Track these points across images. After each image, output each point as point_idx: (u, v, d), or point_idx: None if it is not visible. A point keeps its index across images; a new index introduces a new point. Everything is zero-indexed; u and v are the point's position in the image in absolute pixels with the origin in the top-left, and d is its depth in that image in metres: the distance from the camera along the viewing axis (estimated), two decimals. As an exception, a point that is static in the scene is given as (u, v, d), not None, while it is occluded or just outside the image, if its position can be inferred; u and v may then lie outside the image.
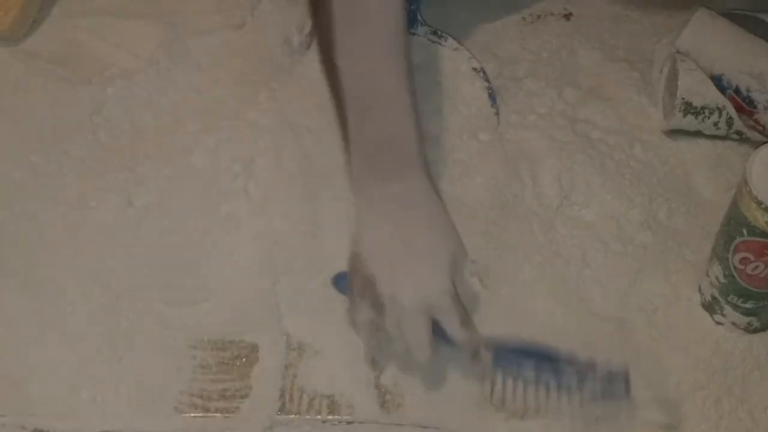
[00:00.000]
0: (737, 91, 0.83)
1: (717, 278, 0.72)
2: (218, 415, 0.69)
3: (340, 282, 0.72)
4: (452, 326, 0.68)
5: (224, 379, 0.71)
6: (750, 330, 0.74)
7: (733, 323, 0.73)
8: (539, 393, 0.68)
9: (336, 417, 0.70)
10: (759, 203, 0.65)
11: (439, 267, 0.69)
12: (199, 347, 0.72)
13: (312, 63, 0.86)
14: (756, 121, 0.84)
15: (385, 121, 0.72)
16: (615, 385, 0.68)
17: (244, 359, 0.72)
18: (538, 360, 0.69)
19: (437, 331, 0.68)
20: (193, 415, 0.69)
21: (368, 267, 0.68)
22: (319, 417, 0.69)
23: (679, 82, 0.82)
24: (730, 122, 0.83)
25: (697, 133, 0.85)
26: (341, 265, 0.71)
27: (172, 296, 0.75)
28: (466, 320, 0.69)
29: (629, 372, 0.68)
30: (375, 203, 0.71)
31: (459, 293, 0.69)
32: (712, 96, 0.82)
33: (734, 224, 0.68)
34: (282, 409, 0.70)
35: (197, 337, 0.73)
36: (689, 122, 0.84)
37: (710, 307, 0.74)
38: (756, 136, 0.83)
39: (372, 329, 0.69)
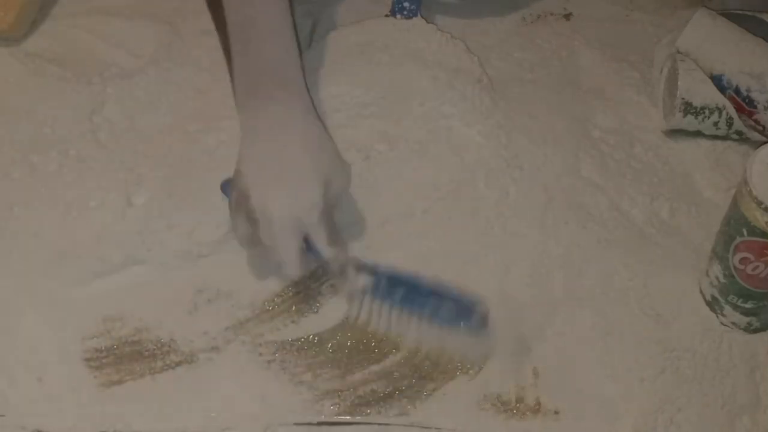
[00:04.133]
0: (737, 91, 0.83)
1: (717, 278, 0.72)
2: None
3: (225, 188, 0.75)
4: (320, 242, 0.71)
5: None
6: (750, 330, 0.74)
7: (733, 323, 0.73)
8: (401, 318, 0.72)
9: (336, 418, 0.70)
10: (759, 203, 0.65)
11: (310, 183, 0.71)
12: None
13: (312, 63, 0.86)
14: (756, 121, 0.84)
15: (266, 46, 0.76)
16: (473, 317, 0.71)
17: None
18: (408, 289, 0.72)
19: (310, 247, 0.71)
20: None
21: (244, 182, 0.71)
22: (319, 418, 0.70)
23: (679, 82, 0.83)
24: (730, 122, 0.83)
25: (697, 133, 0.85)
26: None
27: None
28: (336, 238, 0.72)
29: (488, 310, 0.72)
30: (256, 123, 0.74)
31: (337, 216, 0.72)
32: (712, 96, 0.82)
33: (734, 224, 0.68)
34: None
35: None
36: (689, 122, 0.84)
37: (710, 306, 0.75)
38: (756, 136, 0.84)
39: (251, 242, 0.72)
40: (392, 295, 0.72)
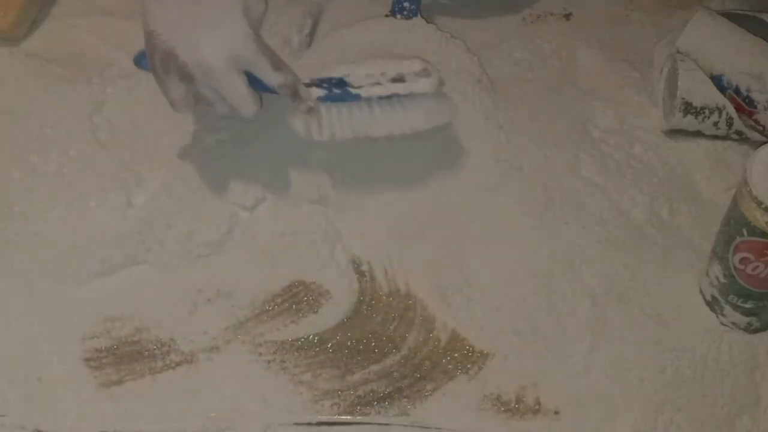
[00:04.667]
0: (737, 91, 0.83)
1: (717, 278, 0.72)
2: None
3: (141, 61, 0.72)
4: (265, 71, 0.69)
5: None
6: (750, 330, 0.74)
7: (733, 323, 0.73)
8: (363, 114, 0.73)
9: (336, 418, 0.70)
10: (759, 203, 0.65)
11: (234, 17, 0.68)
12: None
13: (312, 63, 0.86)
14: (756, 121, 0.84)
15: None
16: (421, 79, 0.73)
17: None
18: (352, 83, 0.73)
19: (255, 84, 0.69)
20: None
21: (164, 41, 0.68)
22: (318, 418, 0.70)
23: (679, 82, 0.83)
24: (730, 122, 0.83)
25: (697, 133, 0.85)
26: None
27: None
28: (278, 63, 0.70)
29: (429, 68, 0.74)
30: None
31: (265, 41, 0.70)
32: (712, 96, 0.82)
33: (734, 224, 0.68)
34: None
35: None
36: (689, 122, 0.84)
37: (710, 306, 0.75)
38: (756, 136, 0.84)
39: (190, 102, 0.69)
40: (347, 95, 0.72)
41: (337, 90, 0.73)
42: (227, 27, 0.68)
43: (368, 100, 0.74)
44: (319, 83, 0.74)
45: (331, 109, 0.74)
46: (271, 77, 0.69)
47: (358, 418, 0.70)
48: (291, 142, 0.80)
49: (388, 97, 0.74)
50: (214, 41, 0.68)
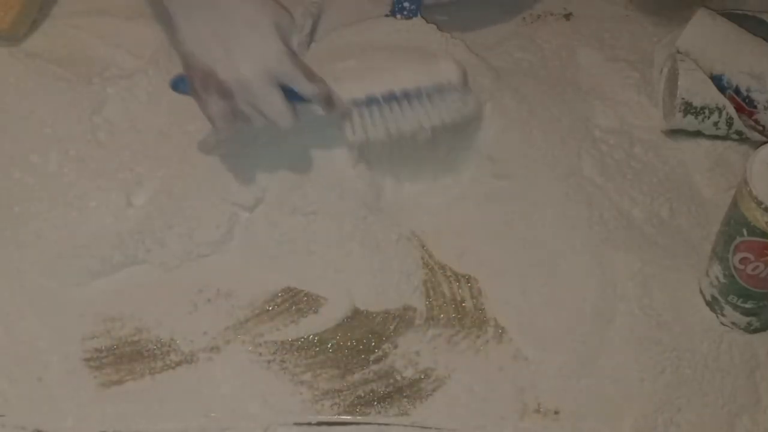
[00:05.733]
0: (737, 91, 0.83)
1: (717, 278, 0.72)
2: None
3: (179, 85, 0.75)
4: (300, 83, 0.72)
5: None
6: (750, 330, 0.74)
7: (733, 323, 0.73)
8: (394, 116, 0.76)
9: (336, 418, 0.70)
10: (759, 203, 0.65)
11: (266, 33, 0.71)
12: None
13: (312, 63, 0.86)
14: (756, 121, 0.84)
15: None
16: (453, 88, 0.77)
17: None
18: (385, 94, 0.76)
19: (290, 97, 0.72)
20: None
21: (203, 61, 0.71)
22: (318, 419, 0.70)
23: (679, 82, 0.83)
24: (730, 122, 0.83)
25: (697, 133, 0.85)
26: None
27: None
28: (311, 74, 0.72)
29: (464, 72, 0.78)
30: (185, 1, 0.73)
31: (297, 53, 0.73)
32: (712, 96, 0.82)
33: (734, 224, 0.68)
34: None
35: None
36: (689, 122, 0.84)
37: (710, 306, 0.75)
38: (756, 136, 0.84)
39: (229, 118, 0.72)
40: (377, 101, 0.75)
41: (372, 98, 0.76)
42: (261, 44, 0.71)
43: (397, 98, 0.76)
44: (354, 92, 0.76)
45: (363, 111, 0.76)
46: (306, 89, 0.72)
47: (358, 418, 0.70)
48: (291, 142, 0.80)
49: (418, 95, 0.77)
50: (250, 58, 0.70)
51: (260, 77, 0.70)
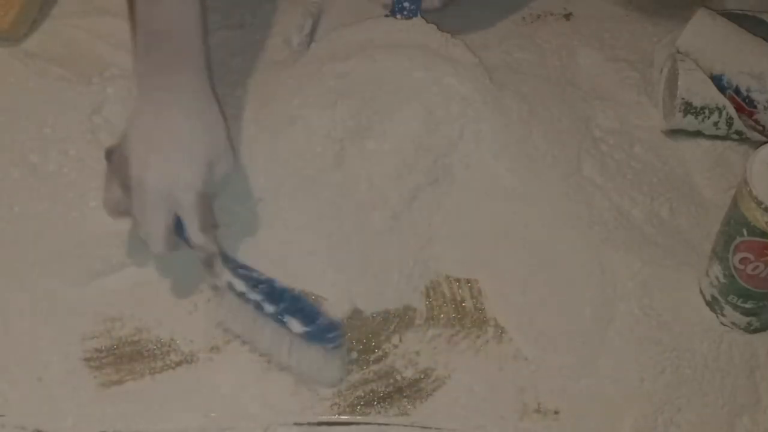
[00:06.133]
0: (737, 91, 0.83)
1: (717, 278, 0.72)
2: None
3: (111, 154, 0.74)
4: (191, 227, 0.70)
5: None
6: (750, 330, 0.74)
7: (733, 323, 0.73)
8: (257, 321, 0.70)
9: (336, 418, 0.70)
10: (759, 203, 0.65)
11: (192, 162, 0.70)
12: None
13: (312, 62, 0.86)
14: (756, 121, 0.84)
15: (169, 15, 0.74)
16: (327, 333, 0.69)
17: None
18: (269, 291, 0.70)
19: (181, 229, 0.70)
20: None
21: (127, 147, 0.70)
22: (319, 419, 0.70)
23: (679, 82, 0.83)
24: (730, 122, 0.83)
25: (697, 133, 0.85)
26: None
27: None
28: (208, 226, 0.70)
29: (342, 328, 0.71)
30: (149, 91, 0.73)
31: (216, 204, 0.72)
32: (712, 96, 0.82)
33: (734, 224, 0.68)
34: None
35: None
36: (689, 122, 0.84)
37: (710, 306, 0.75)
38: (756, 136, 0.84)
39: (117, 210, 0.72)
40: (253, 298, 0.70)
41: (253, 294, 0.71)
42: (180, 167, 0.70)
43: (271, 319, 0.70)
44: (237, 270, 0.72)
45: (234, 300, 0.71)
46: (193, 234, 0.70)
47: (358, 418, 0.70)
48: (291, 141, 0.80)
49: (291, 334, 0.70)
50: (161, 172, 0.69)
51: (157, 194, 0.68)
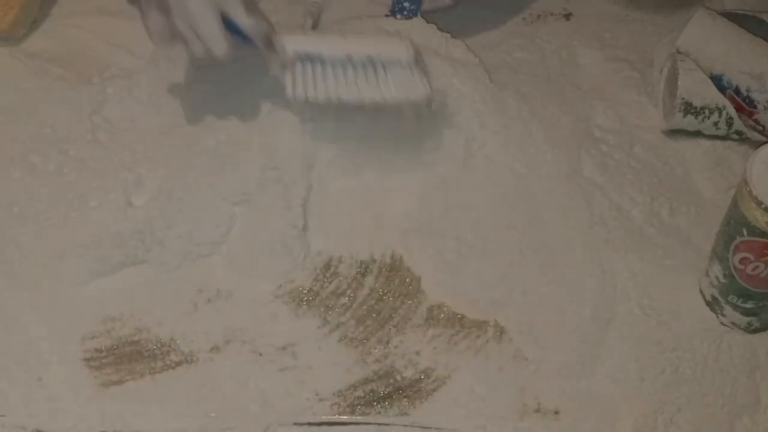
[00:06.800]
0: (737, 91, 0.83)
1: (717, 278, 0.72)
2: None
3: None
4: (239, 14, 0.70)
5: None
6: (750, 330, 0.74)
7: (733, 323, 0.73)
8: (337, 75, 0.71)
9: (336, 418, 0.70)
10: (759, 203, 0.65)
11: None
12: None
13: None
14: (756, 121, 0.84)
15: None
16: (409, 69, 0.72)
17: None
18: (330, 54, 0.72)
19: (233, 34, 0.70)
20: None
21: None
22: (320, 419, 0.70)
23: (679, 82, 0.83)
24: (730, 122, 0.83)
25: (697, 133, 0.85)
26: None
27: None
28: (252, 7, 0.71)
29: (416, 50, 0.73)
30: None
31: None
32: (712, 96, 0.82)
33: (734, 224, 0.68)
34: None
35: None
36: (689, 122, 0.84)
37: (710, 306, 0.75)
38: (756, 136, 0.84)
39: (165, 35, 0.71)
40: (322, 59, 0.71)
41: (323, 48, 0.73)
42: None
43: (343, 62, 0.73)
44: (298, 39, 0.73)
45: (306, 67, 0.73)
46: (244, 21, 0.71)
47: (358, 418, 0.70)
48: (291, 141, 0.80)
49: (365, 64, 0.73)
50: None
51: None
